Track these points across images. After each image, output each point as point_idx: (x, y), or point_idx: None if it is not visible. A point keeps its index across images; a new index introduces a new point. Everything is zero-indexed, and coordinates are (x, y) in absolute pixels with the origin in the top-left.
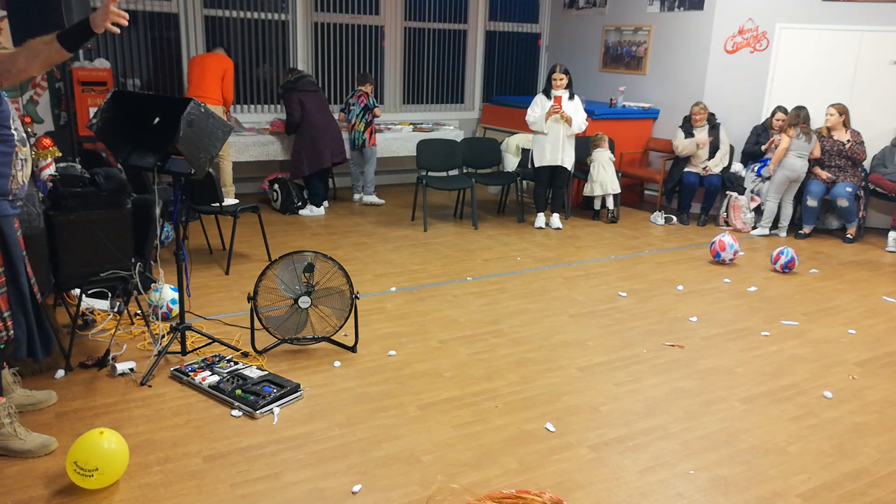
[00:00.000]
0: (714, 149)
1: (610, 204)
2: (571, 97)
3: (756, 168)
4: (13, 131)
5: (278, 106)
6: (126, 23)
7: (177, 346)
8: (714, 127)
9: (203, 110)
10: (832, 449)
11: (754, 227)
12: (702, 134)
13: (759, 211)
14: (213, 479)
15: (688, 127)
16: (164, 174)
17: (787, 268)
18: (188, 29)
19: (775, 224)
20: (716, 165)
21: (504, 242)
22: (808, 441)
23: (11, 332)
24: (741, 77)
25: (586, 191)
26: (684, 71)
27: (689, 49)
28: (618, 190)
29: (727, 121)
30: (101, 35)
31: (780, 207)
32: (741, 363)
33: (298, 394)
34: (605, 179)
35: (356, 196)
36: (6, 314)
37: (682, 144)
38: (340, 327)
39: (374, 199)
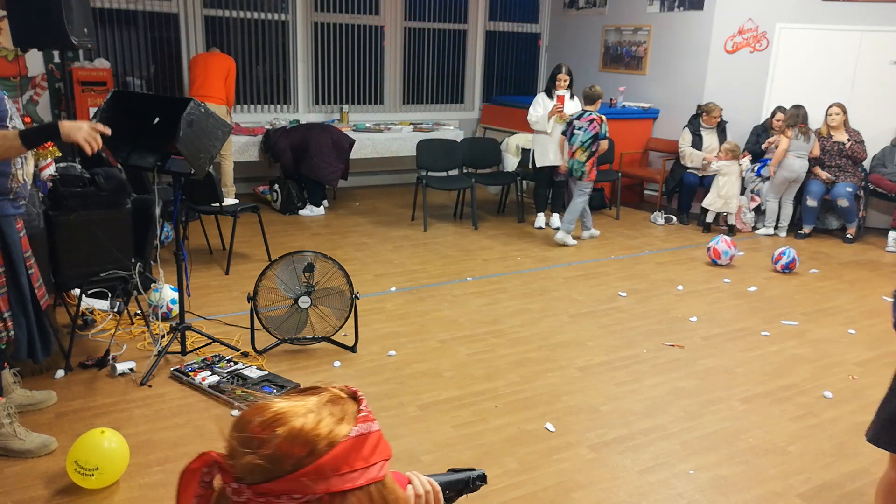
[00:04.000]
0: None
1: (732, 220)
2: (571, 97)
3: (756, 168)
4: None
5: (277, 106)
6: (100, 144)
7: (177, 346)
8: (723, 131)
9: (203, 110)
10: (832, 449)
11: (756, 227)
12: (711, 136)
13: (759, 211)
14: None
15: (695, 126)
16: (164, 174)
17: (788, 268)
18: (188, 29)
19: (775, 224)
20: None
21: (504, 242)
22: (808, 441)
23: (12, 332)
24: (741, 77)
25: (706, 202)
26: (684, 71)
27: (689, 49)
28: (736, 209)
29: (727, 121)
30: (101, 35)
31: (779, 207)
32: (741, 363)
33: None
34: (730, 194)
35: (562, 236)
36: (6, 315)
37: (688, 152)
38: (340, 327)
39: (567, 238)
